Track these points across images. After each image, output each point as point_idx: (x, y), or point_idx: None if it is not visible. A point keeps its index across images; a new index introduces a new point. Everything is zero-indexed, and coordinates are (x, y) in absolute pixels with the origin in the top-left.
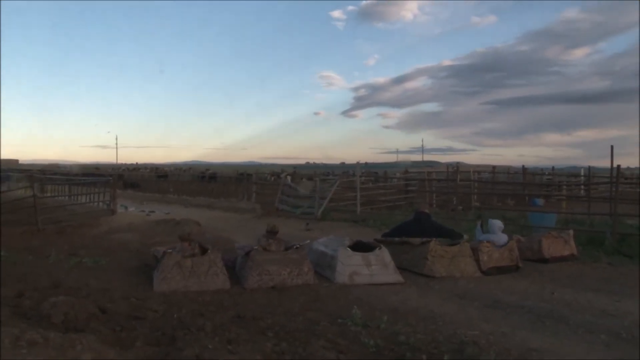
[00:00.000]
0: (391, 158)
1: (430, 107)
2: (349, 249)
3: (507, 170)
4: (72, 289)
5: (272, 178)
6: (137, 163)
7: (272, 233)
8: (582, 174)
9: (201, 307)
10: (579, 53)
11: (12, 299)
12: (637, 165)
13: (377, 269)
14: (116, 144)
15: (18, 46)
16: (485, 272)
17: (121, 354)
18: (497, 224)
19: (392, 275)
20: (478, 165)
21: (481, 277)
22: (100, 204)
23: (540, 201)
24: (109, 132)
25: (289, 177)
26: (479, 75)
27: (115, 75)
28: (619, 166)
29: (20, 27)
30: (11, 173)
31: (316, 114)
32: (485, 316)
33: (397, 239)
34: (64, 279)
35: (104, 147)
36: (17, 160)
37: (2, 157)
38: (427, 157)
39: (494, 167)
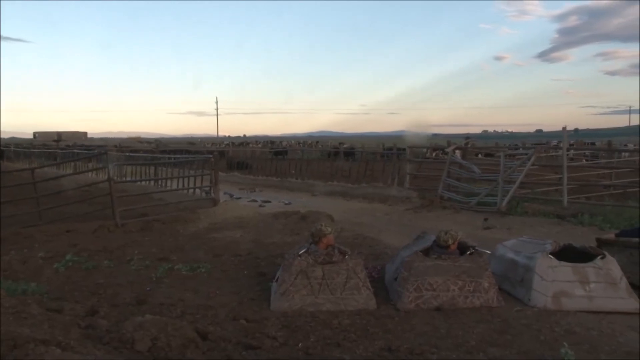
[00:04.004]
0: (619, 121)
1: None
2: (552, 257)
3: None
4: (162, 305)
5: (434, 154)
6: (244, 135)
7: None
8: None
9: (336, 335)
10: None
11: (84, 318)
12: None
13: (598, 288)
14: (216, 110)
15: None
16: None
17: None
18: None
19: (624, 299)
20: None
21: None
22: (198, 191)
23: None
24: None
25: (458, 153)
26: None
27: (214, 25)
28: None
29: None
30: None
31: (498, 59)
32: None
33: (636, 239)
34: (151, 292)
35: (201, 114)
36: (85, 133)
37: (67, 130)
38: None
39: None
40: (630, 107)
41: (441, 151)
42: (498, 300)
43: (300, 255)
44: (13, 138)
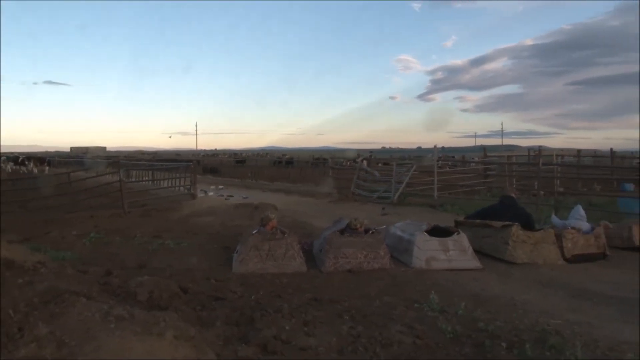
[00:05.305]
0: (469, 142)
1: (511, 89)
2: (426, 233)
3: (594, 154)
4: (156, 269)
5: (348, 163)
6: (215, 149)
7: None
8: None
9: (278, 289)
10: None
11: (102, 277)
12: None
13: (455, 254)
14: (196, 131)
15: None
16: (569, 259)
17: (202, 333)
18: (580, 210)
19: (470, 261)
20: (562, 149)
21: (565, 265)
22: (182, 188)
23: (631, 186)
24: None
25: (364, 162)
26: (565, 54)
27: (195, 67)
28: None
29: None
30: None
31: (392, 98)
32: (570, 305)
33: (478, 220)
34: (149, 260)
35: (185, 134)
36: (104, 148)
37: (90, 145)
38: (507, 141)
39: (578, 150)
40: (475, 133)
41: (353, 161)
42: (390, 264)
43: (253, 234)
44: (56, 152)
